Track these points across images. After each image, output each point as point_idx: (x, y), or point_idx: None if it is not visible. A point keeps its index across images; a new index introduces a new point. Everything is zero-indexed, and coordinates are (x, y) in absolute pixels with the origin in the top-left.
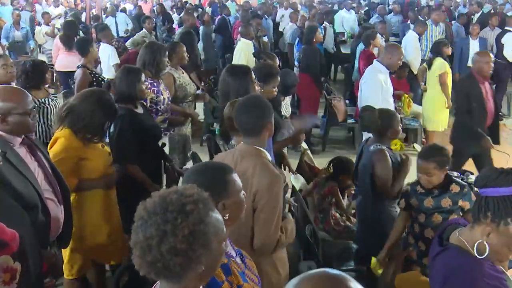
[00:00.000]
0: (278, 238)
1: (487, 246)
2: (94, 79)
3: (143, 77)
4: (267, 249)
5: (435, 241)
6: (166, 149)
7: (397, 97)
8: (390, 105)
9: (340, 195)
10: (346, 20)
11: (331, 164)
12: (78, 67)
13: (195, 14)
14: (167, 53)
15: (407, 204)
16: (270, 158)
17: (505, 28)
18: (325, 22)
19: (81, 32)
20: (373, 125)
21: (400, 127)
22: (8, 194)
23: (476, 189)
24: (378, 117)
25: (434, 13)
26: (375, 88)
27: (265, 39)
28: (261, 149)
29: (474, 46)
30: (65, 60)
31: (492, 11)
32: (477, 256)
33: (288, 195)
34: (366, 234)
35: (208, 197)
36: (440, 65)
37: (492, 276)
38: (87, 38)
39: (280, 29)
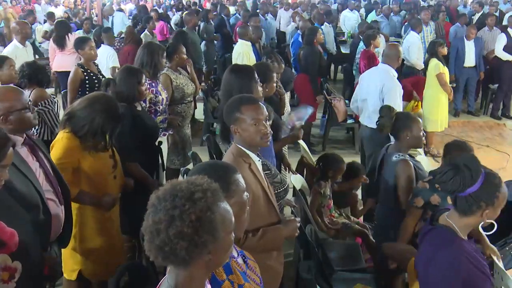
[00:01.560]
0: (241, 238)
1: (494, 222)
2: (87, 78)
3: (143, 79)
4: None
5: (427, 222)
6: (165, 149)
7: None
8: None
9: (316, 196)
10: (348, 20)
11: (318, 163)
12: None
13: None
14: (165, 53)
15: (425, 202)
16: (255, 160)
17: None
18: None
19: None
20: (387, 123)
21: (421, 133)
22: (10, 195)
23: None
24: (393, 115)
25: (422, 13)
26: (398, 96)
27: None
28: (243, 148)
29: (469, 46)
30: (60, 61)
31: (493, 11)
32: (486, 233)
33: (289, 196)
34: (383, 243)
35: (217, 188)
36: (435, 66)
37: (475, 257)
38: (83, 38)
39: (281, 29)
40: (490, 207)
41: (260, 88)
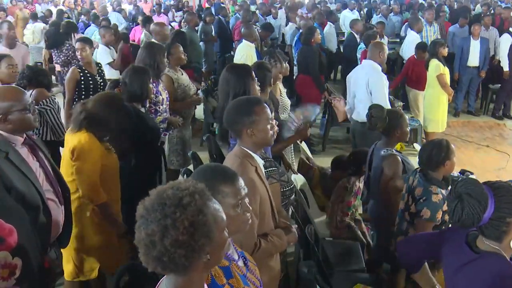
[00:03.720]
0: (257, 243)
1: None
2: (83, 78)
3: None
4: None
5: (465, 248)
6: (165, 149)
7: None
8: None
9: (342, 190)
10: (348, 20)
11: (351, 158)
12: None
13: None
14: (165, 53)
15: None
16: (259, 162)
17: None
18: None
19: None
20: (381, 123)
21: (408, 129)
22: (10, 195)
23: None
24: (386, 115)
25: (426, 12)
26: (384, 86)
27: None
28: (248, 151)
29: (475, 46)
30: None
31: (492, 11)
32: None
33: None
34: (379, 237)
35: (204, 188)
36: (436, 67)
37: None
38: (78, 38)
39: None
40: None
41: (257, 87)
